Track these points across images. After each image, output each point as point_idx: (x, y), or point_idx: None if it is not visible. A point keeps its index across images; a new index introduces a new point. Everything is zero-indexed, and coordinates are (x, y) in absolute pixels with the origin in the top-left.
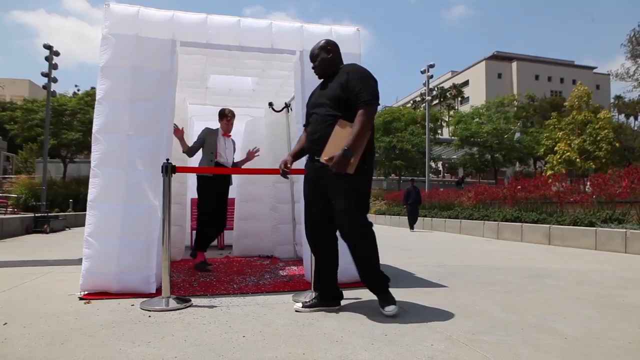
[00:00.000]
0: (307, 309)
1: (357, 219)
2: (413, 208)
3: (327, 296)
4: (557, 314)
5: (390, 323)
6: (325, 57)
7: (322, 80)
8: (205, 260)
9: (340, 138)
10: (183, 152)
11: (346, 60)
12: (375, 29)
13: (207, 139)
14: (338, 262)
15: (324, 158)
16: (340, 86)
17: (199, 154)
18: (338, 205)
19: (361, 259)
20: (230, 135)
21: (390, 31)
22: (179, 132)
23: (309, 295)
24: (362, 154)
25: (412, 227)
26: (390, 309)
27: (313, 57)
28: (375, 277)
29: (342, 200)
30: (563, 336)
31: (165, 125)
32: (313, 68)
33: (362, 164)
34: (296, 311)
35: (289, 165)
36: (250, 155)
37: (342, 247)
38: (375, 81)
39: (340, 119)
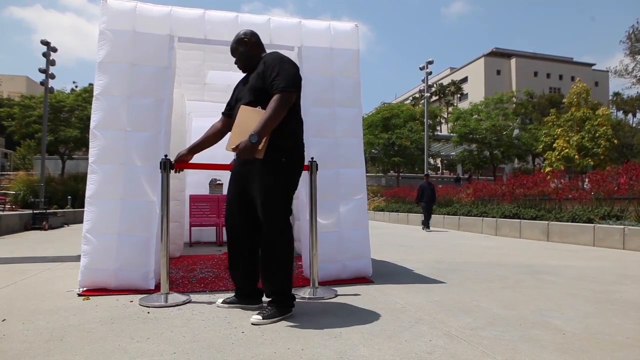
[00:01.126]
0: (225, 305)
1: (275, 216)
2: (428, 207)
3: (245, 293)
4: (555, 309)
5: (389, 319)
6: (244, 51)
7: (245, 74)
8: None
9: (246, 125)
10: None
11: (345, 56)
12: (375, 26)
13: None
14: (257, 261)
15: (229, 147)
16: (257, 76)
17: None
18: (259, 201)
19: (271, 258)
20: None
21: (389, 27)
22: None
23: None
24: (285, 149)
25: (427, 226)
26: (256, 318)
27: (232, 51)
28: (279, 282)
29: (262, 196)
30: (561, 332)
31: (163, 121)
32: (235, 63)
33: (284, 158)
34: (217, 306)
35: (184, 159)
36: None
37: (341, 243)
38: (294, 66)
39: (242, 106)
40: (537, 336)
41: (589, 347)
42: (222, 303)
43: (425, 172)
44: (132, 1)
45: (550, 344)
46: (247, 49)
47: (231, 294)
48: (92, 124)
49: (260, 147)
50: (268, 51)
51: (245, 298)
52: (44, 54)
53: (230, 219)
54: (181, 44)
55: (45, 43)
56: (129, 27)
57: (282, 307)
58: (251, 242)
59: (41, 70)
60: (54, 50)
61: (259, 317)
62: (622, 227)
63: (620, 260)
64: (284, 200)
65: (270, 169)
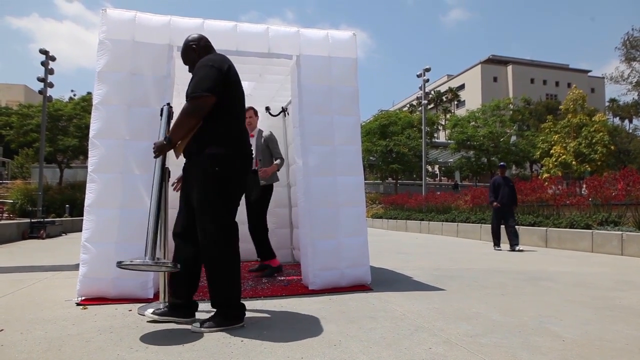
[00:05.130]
0: (155, 316)
1: (208, 226)
2: (506, 211)
3: (178, 305)
4: (555, 316)
5: (388, 327)
6: (194, 57)
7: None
8: (261, 264)
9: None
10: None
11: (343, 64)
12: (374, 33)
13: None
14: (199, 272)
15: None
16: (190, 82)
17: None
18: (195, 205)
19: (210, 269)
20: (253, 135)
21: (388, 35)
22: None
23: (157, 304)
24: (217, 157)
25: (511, 243)
26: (196, 326)
27: (182, 58)
28: (220, 294)
29: (195, 204)
30: (560, 338)
31: (162, 130)
32: (189, 71)
33: (217, 166)
34: (147, 317)
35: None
36: (261, 174)
37: (340, 250)
38: (212, 68)
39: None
40: (537, 343)
41: (588, 353)
42: (151, 314)
43: (501, 163)
44: (132, 11)
45: (550, 351)
46: (197, 55)
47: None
48: (91, 133)
49: (175, 149)
50: (269, 60)
51: (176, 310)
52: (43, 63)
53: (175, 226)
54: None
55: (43, 52)
56: (129, 37)
57: (226, 319)
58: (195, 251)
59: (40, 79)
60: (53, 59)
61: (197, 324)
62: (620, 233)
63: (618, 266)
64: (219, 209)
65: (203, 177)
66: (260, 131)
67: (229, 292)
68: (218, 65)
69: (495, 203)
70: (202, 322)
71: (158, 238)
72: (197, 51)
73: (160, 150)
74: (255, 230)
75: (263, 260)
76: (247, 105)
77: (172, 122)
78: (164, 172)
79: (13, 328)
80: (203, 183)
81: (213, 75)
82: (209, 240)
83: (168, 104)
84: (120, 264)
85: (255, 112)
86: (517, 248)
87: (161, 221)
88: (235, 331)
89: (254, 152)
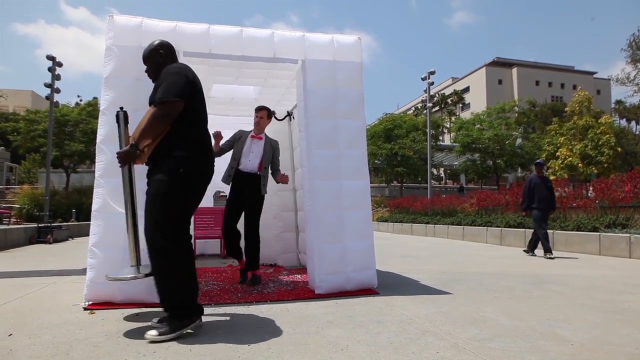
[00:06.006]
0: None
1: (155, 228)
2: (543, 215)
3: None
4: (563, 320)
5: (395, 331)
6: (158, 61)
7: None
8: (242, 271)
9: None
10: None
11: (348, 68)
12: (378, 37)
13: (237, 142)
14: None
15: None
16: (154, 88)
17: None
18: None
19: (157, 270)
20: (262, 138)
21: (392, 38)
22: (218, 138)
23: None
24: (178, 159)
25: (545, 249)
26: (152, 333)
27: (144, 59)
28: (168, 295)
29: (150, 195)
30: (569, 342)
31: None
32: (146, 71)
33: (178, 167)
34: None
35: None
36: (282, 179)
37: (346, 254)
38: (179, 76)
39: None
40: (545, 347)
41: (597, 358)
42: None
43: (537, 160)
44: (138, 17)
45: (558, 355)
46: (162, 60)
47: (239, 307)
48: (98, 139)
49: (142, 154)
50: (275, 65)
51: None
52: (50, 69)
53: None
54: (186, 58)
55: (50, 58)
56: (135, 43)
57: (179, 320)
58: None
59: (46, 85)
60: (59, 64)
61: (154, 332)
62: (628, 235)
63: (626, 269)
64: (170, 210)
65: (167, 176)
66: (268, 137)
67: (181, 293)
68: (185, 73)
69: (524, 212)
70: (159, 330)
71: (138, 246)
72: (163, 56)
73: (126, 159)
74: (248, 236)
75: (250, 270)
76: (252, 110)
77: (138, 126)
78: (133, 181)
79: (21, 332)
80: (165, 180)
81: (181, 82)
82: (155, 242)
83: (122, 108)
84: (110, 278)
85: (269, 115)
86: (531, 254)
87: (127, 212)
88: (242, 335)
89: (260, 156)
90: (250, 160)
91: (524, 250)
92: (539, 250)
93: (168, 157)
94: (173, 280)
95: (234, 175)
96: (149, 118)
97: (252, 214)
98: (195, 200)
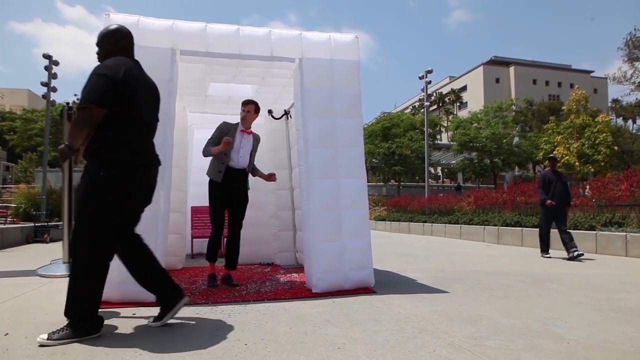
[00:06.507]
0: (161, 323)
1: (78, 232)
2: (559, 211)
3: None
4: (559, 318)
5: (392, 329)
6: (105, 50)
7: None
8: (214, 275)
9: None
10: (205, 155)
11: (345, 67)
12: (376, 35)
13: (227, 136)
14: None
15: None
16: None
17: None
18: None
19: (70, 276)
20: (250, 132)
21: (390, 37)
22: (225, 145)
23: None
24: (104, 162)
25: (569, 249)
26: (43, 337)
27: (96, 43)
28: (69, 303)
29: (76, 201)
30: (565, 340)
31: (165, 133)
32: (97, 53)
33: (102, 172)
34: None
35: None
36: (270, 177)
37: (343, 253)
38: (104, 77)
39: None
40: (541, 345)
41: (593, 356)
42: (153, 324)
43: (551, 155)
44: (135, 15)
45: (554, 354)
46: (111, 48)
47: (236, 306)
48: None
49: (76, 154)
50: (272, 63)
51: (165, 308)
52: (46, 68)
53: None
54: (183, 56)
55: (47, 57)
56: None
57: (78, 331)
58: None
59: (43, 84)
60: (56, 63)
61: (44, 336)
62: (624, 234)
63: (623, 267)
64: (95, 216)
65: (89, 181)
66: (256, 134)
67: (82, 303)
68: (111, 74)
69: (549, 201)
70: (52, 333)
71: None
72: (115, 45)
73: (63, 156)
74: (235, 235)
75: (231, 269)
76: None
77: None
78: (72, 178)
79: (18, 332)
80: (88, 186)
81: (102, 85)
82: (75, 245)
83: (67, 104)
84: (40, 274)
85: (256, 109)
86: (576, 253)
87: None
88: (239, 334)
89: (249, 152)
90: (242, 157)
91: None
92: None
93: (92, 160)
94: (75, 291)
95: (224, 171)
96: (72, 122)
97: (240, 211)
98: (121, 206)
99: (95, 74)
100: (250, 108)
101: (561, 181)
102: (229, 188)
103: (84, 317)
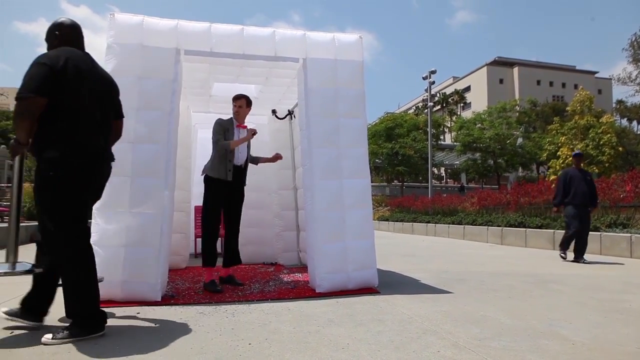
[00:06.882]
0: (6, 316)
1: (49, 235)
2: (581, 213)
3: (30, 307)
4: (563, 319)
5: (396, 330)
6: (50, 44)
7: None
8: (214, 280)
9: None
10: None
11: (349, 67)
12: (380, 35)
13: (227, 133)
14: (53, 279)
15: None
16: None
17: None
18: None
19: (62, 279)
20: (245, 126)
21: (394, 37)
22: (253, 134)
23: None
24: (51, 161)
25: (581, 255)
26: (47, 337)
27: (47, 34)
28: (71, 304)
29: (35, 204)
30: (570, 342)
31: (169, 133)
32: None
33: (51, 171)
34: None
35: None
36: (276, 158)
37: (347, 254)
38: (44, 66)
39: None
40: (546, 346)
41: (598, 357)
42: (3, 313)
43: (576, 152)
44: (139, 15)
45: (559, 355)
46: (58, 42)
47: (239, 306)
48: None
49: (25, 148)
50: (276, 64)
51: (27, 313)
52: None
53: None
54: (187, 56)
55: None
56: (136, 41)
57: (82, 329)
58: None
59: None
60: None
61: (49, 336)
62: (629, 235)
63: (627, 268)
64: (59, 217)
65: (40, 182)
66: (250, 128)
67: (84, 303)
68: (51, 63)
69: (555, 209)
70: (56, 333)
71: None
72: (58, 38)
73: (14, 152)
74: (236, 233)
75: (228, 267)
76: (253, 109)
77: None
78: (22, 174)
79: (22, 331)
80: (40, 186)
81: (42, 74)
82: (53, 250)
83: None
84: None
85: (248, 103)
86: (582, 261)
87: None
88: (243, 333)
89: (246, 146)
90: (242, 153)
91: (573, 260)
92: (586, 255)
93: (39, 159)
94: (74, 292)
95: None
96: (13, 113)
97: (239, 207)
98: (80, 201)
99: (35, 63)
100: (242, 103)
101: (586, 180)
102: (234, 186)
103: (87, 316)
